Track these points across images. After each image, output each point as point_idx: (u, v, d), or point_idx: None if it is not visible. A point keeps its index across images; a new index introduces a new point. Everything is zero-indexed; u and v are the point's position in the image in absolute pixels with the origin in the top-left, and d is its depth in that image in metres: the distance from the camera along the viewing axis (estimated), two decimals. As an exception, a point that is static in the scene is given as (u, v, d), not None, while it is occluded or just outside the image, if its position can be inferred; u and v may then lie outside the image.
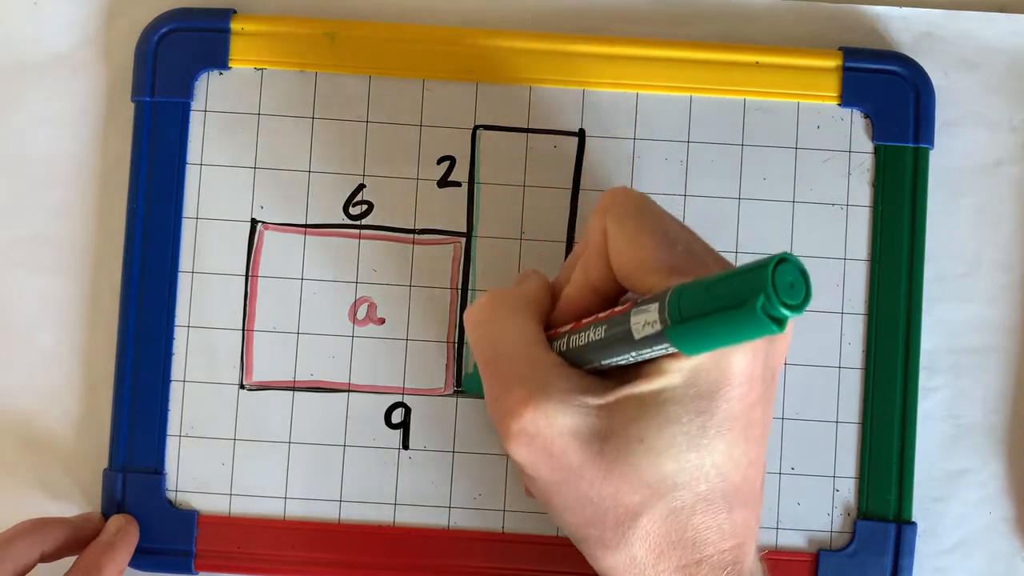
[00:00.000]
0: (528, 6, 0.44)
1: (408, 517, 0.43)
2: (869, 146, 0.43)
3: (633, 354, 0.32)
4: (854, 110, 0.43)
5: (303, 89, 0.43)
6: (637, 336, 0.31)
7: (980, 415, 0.43)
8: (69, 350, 0.43)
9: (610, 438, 0.33)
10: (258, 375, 0.43)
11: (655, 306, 0.30)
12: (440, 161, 0.43)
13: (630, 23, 0.44)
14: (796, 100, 0.43)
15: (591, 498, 0.33)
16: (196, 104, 0.43)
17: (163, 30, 0.43)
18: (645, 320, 0.31)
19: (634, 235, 0.33)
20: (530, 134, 0.43)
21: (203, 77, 0.43)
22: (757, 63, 0.43)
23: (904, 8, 0.44)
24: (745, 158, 0.43)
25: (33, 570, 0.39)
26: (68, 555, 0.40)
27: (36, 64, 0.44)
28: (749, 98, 0.43)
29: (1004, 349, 0.43)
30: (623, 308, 0.32)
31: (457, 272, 0.43)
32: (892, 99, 0.43)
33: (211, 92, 0.43)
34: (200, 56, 0.43)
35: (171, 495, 0.43)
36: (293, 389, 0.43)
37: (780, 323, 0.27)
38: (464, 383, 0.43)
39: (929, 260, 0.43)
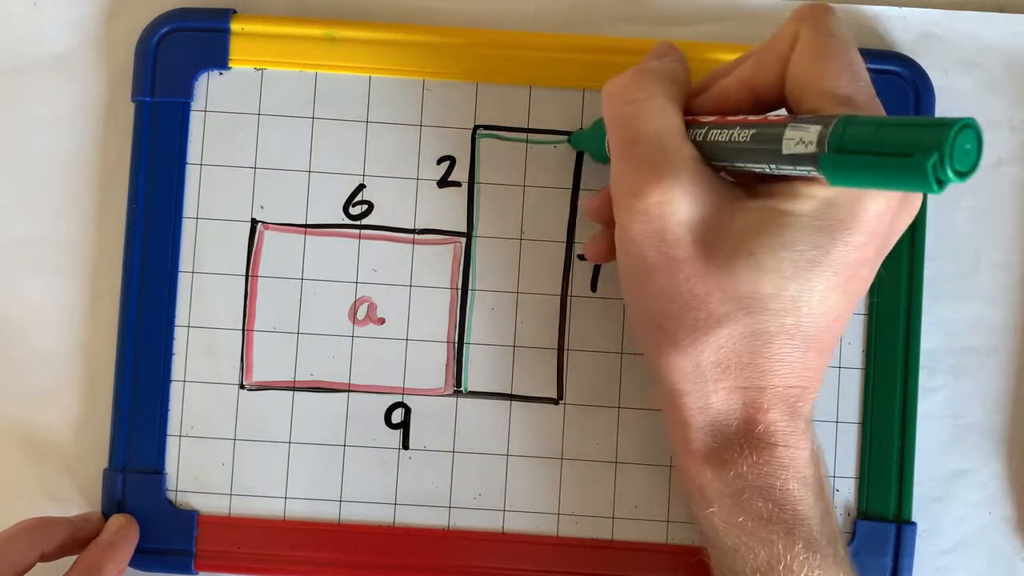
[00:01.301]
0: (528, 6, 0.44)
1: (408, 517, 0.43)
2: (869, 146, 0.43)
3: (773, 166, 0.31)
4: (854, 110, 0.43)
5: (303, 89, 0.43)
6: (786, 151, 0.30)
7: (980, 415, 0.43)
8: (69, 350, 0.43)
9: (722, 242, 0.33)
10: (258, 375, 0.43)
11: (816, 128, 0.30)
12: (440, 161, 0.43)
13: (630, 23, 0.44)
14: (796, 100, 0.43)
15: (682, 292, 0.33)
16: (196, 104, 0.43)
17: (163, 30, 0.43)
18: (801, 138, 0.30)
19: (825, 52, 0.33)
20: (530, 134, 0.43)
21: (203, 77, 0.43)
22: (757, 63, 0.43)
23: (904, 8, 0.44)
24: (745, 158, 0.43)
25: (33, 570, 0.39)
26: (68, 555, 0.40)
27: (36, 64, 0.44)
28: (749, 98, 0.43)
29: (1004, 349, 0.43)
30: (778, 119, 0.31)
31: (457, 272, 0.43)
32: (892, 99, 0.42)
33: (211, 92, 0.43)
34: (200, 56, 0.43)
35: (171, 495, 0.43)
36: (293, 389, 0.43)
37: (942, 185, 0.27)
38: (572, 140, 0.42)
39: (929, 260, 0.43)
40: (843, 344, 0.42)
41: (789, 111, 0.34)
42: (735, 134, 0.32)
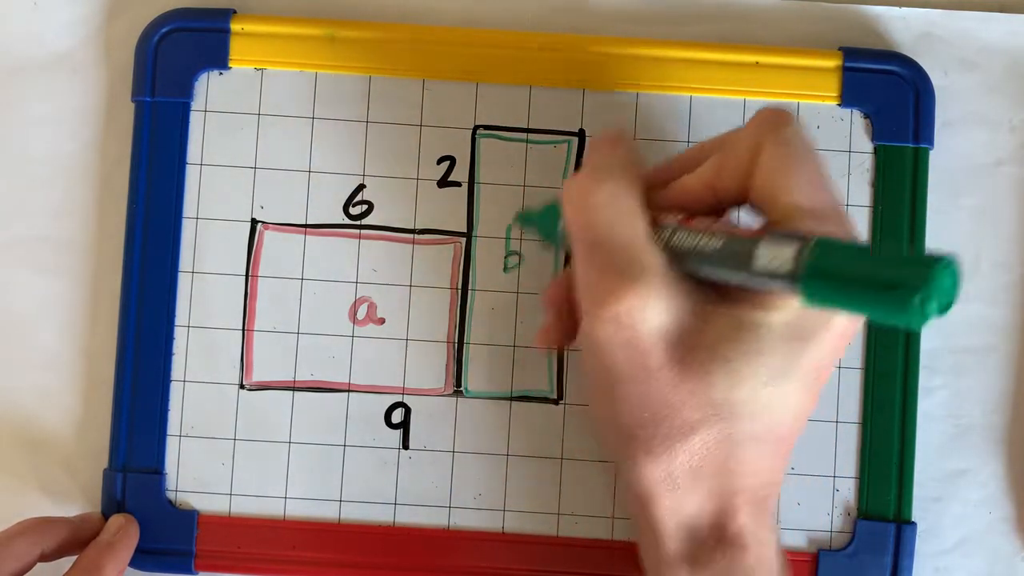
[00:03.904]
0: (528, 6, 0.44)
1: (408, 517, 0.43)
2: (869, 146, 0.43)
3: (743, 278, 0.31)
4: (854, 110, 0.43)
5: (303, 89, 0.43)
6: (757, 266, 0.30)
7: (980, 415, 0.43)
8: (69, 350, 0.43)
9: (696, 349, 0.32)
10: (258, 375, 0.43)
11: (792, 247, 0.29)
12: (440, 161, 0.43)
13: (630, 23, 0.44)
14: (796, 100, 0.43)
15: (655, 400, 0.33)
16: (196, 104, 0.43)
17: (163, 30, 0.43)
18: (775, 255, 0.30)
19: (790, 165, 0.33)
20: (530, 134, 0.43)
21: (203, 77, 0.43)
22: (757, 63, 0.43)
23: (904, 8, 0.44)
24: (745, 158, 0.43)
25: (33, 570, 0.39)
26: (68, 555, 0.40)
27: (36, 64, 0.44)
28: (749, 98, 0.43)
29: (1004, 349, 0.43)
30: (748, 232, 0.31)
31: (457, 272, 0.43)
32: (892, 99, 0.43)
33: (211, 92, 0.43)
34: (200, 56, 0.43)
35: (171, 495, 0.43)
36: (293, 389, 0.43)
37: (925, 319, 0.27)
38: (521, 218, 0.41)
39: (929, 260, 0.43)
40: (843, 344, 0.42)
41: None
42: (702, 242, 0.32)
